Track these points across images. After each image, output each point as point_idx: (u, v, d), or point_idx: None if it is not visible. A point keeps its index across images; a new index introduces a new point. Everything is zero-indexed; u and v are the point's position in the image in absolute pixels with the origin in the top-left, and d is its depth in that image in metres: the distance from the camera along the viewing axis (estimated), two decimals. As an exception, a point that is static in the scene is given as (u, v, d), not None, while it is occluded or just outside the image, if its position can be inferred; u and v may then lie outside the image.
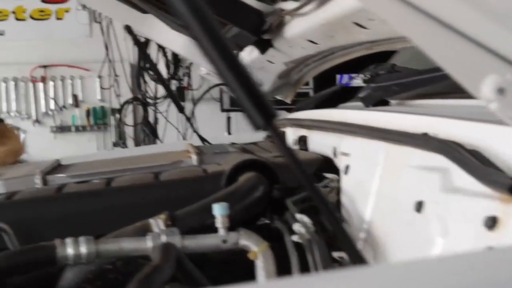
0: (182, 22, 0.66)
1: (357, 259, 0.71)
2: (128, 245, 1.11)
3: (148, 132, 6.21)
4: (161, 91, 6.43)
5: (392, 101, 1.50)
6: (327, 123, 1.46)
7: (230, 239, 1.14)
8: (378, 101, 1.46)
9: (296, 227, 1.17)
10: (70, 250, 1.07)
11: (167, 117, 6.28)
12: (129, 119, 6.69)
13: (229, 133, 6.19)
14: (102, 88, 6.99)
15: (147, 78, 6.28)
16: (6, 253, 1.13)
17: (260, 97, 0.68)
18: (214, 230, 1.15)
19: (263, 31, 1.69)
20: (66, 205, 1.36)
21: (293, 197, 1.32)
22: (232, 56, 0.68)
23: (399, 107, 1.45)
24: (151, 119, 6.37)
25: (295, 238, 1.17)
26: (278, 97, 2.56)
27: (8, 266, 1.06)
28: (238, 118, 6.53)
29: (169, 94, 3.58)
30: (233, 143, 2.16)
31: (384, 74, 1.64)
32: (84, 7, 6.55)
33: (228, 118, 6.44)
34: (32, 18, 7.23)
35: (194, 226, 1.21)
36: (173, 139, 6.30)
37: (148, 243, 1.10)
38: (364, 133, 1.22)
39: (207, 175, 1.47)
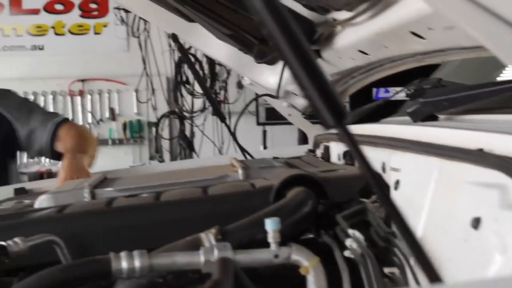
0: (258, 18, 0.66)
1: (432, 275, 0.70)
2: (181, 259, 1.11)
3: (185, 145, 6.26)
4: (197, 105, 6.48)
5: (441, 116, 1.49)
6: (375, 137, 1.45)
7: (281, 254, 1.14)
8: (427, 116, 1.45)
9: (348, 242, 1.16)
10: (124, 264, 1.08)
11: (203, 130, 6.34)
12: (165, 132, 6.74)
13: (265, 147, 6.21)
14: (139, 101, 7.06)
15: (183, 91, 6.34)
16: (62, 266, 1.15)
17: (332, 96, 0.68)
18: (263, 244, 1.16)
19: (313, 41, 1.69)
20: (117, 219, 1.37)
21: (343, 212, 1.32)
22: (306, 53, 0.68)
23: (449, 122, 1.44)
24: (187, 132, 6.41)
25: (347, 253, 1.17)
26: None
27: (63, 280, 1.07)
28: (273, 131, 6.55)
29: (211, 103, 3.59)
30: (275, 157, 2.16)
31: (432, 89, 1.63)
32: (122, 21, 6.63)
33: (264, 132, 6.45)
34: (70, 32, 7.34)
35: (244, 240, 1.21)
36: (209, 152, 6.34)
37: (201, 257, 1.10)
38: (416, 148, 1.21)
39: (255, 190, 1.47)
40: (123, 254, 1.09)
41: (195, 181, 1.65)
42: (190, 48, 6.24)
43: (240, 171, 1.69)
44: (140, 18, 6.18)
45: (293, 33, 0.66)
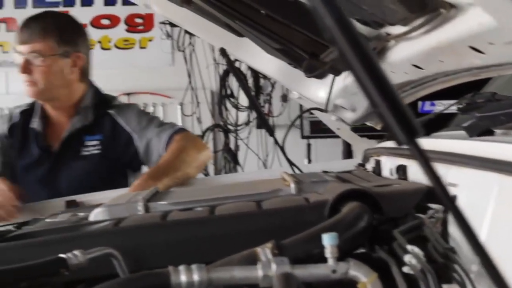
0: (327, 35, 0.66)
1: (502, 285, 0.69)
2: (239, 273, 1.12)
3: (230, 158, 6.28)
4: (241, 118, 6.50)
5: (497, 131, 1.48)
6: (431, 152, 1.44)
7: (339, 269, 1.14)
8: (483, 131, 1.44)
9: (407, 258, 1.15)
10: (183, 278, 1.08)
11: (247, 144, 6.36)
12: (209, 145, 6.77)
13: (309, 160, 6.20)
14: (184, 114, 7.10)
15: (227, 105, 6.38)
16: (121, 280, 1.16)
17: (404, 112, 0.68)
18: (319, 259, 1.16)
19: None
20: (173, 233, 1.38)
21: (399, 227, 1.31)
22: (376, 68, 0.68)
23: (507, 137, 1.43)
24: (231, 146, 6.44)
25: (405, 269, 1.16)
26: (369, 124, 2.56)
27: (123, 293, 1.09)
28: (317, 145, 6.53)
29: (259, 116, 3.62)
30: (325, 171, 2.16)
31: (486, 103, 1.62)
32: (168, 36, 6.70)
33: (308, 145, 6.44)
34: (116, 47, 7.44)
35: (300, 255, 1.21)
36: (253, 166, 6.35)
37: (259, 272, 1.10)
38: (475, 163, 1.20)
39: (309, 204, 1.47)
40: (182, 267, 1.10)
41: (248, 195, 1.65)
42: (235, 61, 6.29)
43: (292, 185, 1.69)
44: (186, 32, 6.25)
45: (363, 49, 0.66)
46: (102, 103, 3.13)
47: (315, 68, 2.15)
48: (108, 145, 3.04)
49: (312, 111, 2.67)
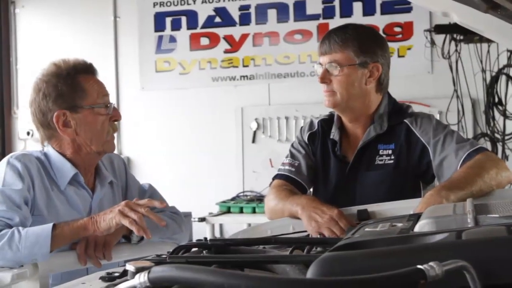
0: None
1: None
2: None
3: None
4: (509, 127, 6.22)
5: None
6: None
7: None
8: None
9: None
10: None
11: (516, 154, 6.07)
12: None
13: None
14: (448, 123, 6.95)
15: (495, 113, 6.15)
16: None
17: None
18: None
19: None
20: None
21: None
22: None
23: None
24: (499, 156, 6.18)
25: None
26: None
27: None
28: None
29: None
30: None
31: None
32: (432, 44, 6.58)
33: None
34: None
35: None
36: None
37: None
38: None
39: None
40: None
41: None
42: (503, 68, 6.05)
43: None
44: (452, 39, 6.12)
45: None
46: (397, 111, 3.12)
47: None
48: (402, 154, 3.01)
49: None
